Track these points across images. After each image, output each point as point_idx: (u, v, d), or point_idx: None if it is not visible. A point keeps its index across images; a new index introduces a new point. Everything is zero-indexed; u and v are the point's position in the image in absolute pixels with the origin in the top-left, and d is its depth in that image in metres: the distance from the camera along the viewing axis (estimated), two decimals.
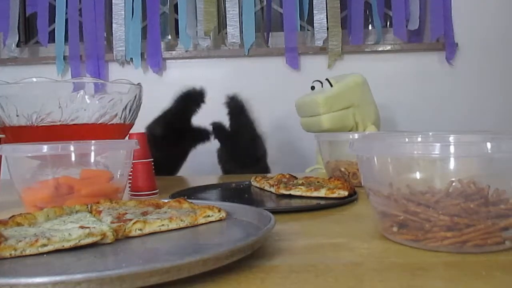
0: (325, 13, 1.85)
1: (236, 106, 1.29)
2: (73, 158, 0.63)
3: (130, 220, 0.47)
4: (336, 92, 1.32)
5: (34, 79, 0.76)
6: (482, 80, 1.87)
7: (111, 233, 0.44)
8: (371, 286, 0.35)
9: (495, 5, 1.86)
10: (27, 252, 0.40)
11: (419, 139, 0.60)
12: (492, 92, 1.87)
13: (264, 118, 1.85)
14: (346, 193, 0.70)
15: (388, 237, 0.47)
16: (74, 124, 0.74)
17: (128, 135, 0.83)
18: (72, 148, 0.62)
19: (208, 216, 0.52)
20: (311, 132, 1.36)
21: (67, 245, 0.41)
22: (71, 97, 0.74)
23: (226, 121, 1.29)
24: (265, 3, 1.97)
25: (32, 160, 0.65)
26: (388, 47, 1.88)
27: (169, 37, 2.02)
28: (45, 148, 0.60)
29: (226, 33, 1.89)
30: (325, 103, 1.30)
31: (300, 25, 1.93)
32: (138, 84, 0.83)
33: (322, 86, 1.38)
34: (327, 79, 1.36)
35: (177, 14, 1.89)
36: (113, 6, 1.86)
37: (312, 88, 1.41)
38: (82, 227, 0.44)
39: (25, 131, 0.74)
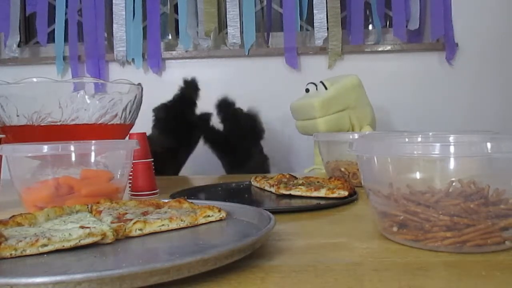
0: (325, 13, 1.85)
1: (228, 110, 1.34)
2: (73, 158, 0.63)
3: (130, 220, 0.47)
4: (332, 95, 1.32)
5: (35, 79, 0.76)
6: (482, 80, 1.87)
7: (111, 233, 0.44)
8: (371, 286, 0.35)
9: (495, 5, 1.86)
10: (28, 252, 0.40)
11: (419, 139, 0.60)
12: (492, 92, 1.87)
13: (264, 117, 1.86)
14: (346, 193, 0.70)
15: (388, 237, 0.47)
16: (74, 124, 0.74)
17: (128, 135, 0.83)
18: (72, 148, 0.62)
19: (208, 216, 0.52)
20: (307, 135, 1.36)
21: (67, 245, 0.41)
22: (71, 97, 0.74)
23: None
24: (265, 3, 1.97)
25: (32, 160, 0.65)
26: (388, 47, 1.88)
27: (169, 37, 2.02)
28: (45, 148, 0.60)
29: (227, 33, 1.89)
30: (321, 106, 1.30)
31: (300, 25, 1.93)
32: (138, 84, 0.83)
33: (316, 88, 1.37)
34: (321, 82, 1.36)
35: (177, 14, 1.89)
36: (113, 7, 1.86)
37: (307, 90, 1.41)
38: (82, 227, 0.44)
39: (26, 131, 0.74)
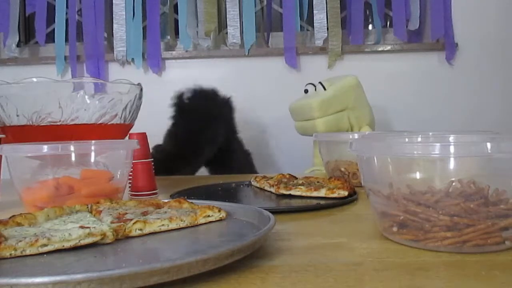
0: (325, 13, 1.85)
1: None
2: (73, 158, 0.63)
3: (130, 220, 0.47)
4: (330, 96, 1.32)
5: (34, 79, 0.76)
6: (482, 80, 1.87)
7: (111, 233, 0.44)
8: (371, 286, 0.35)
9: (495, 5, 1.86)
10: (27, 252, 0.40)
11: (419, 139, 0.60)
12: (492, 92, 1.87)
13: (264, 117, 1.86)
14: (346, 193, 0.70)
15: (388, 237, 0.47)
16: (74, 124, 0.74)
17: (128, 135, 0.83)
18: (72, 148, 0.62)
19: (208, 216, 0.52)
20: (306, 136, 1.36)
21: (67, 245, 0.41)
22: (71, 97, 0.74)
23: None
24: (265, 3, 1.97)
25: (32, 160, 0.65)
26: (388, 47, 1.88)
27: (169, 37, 2.02)
28: (45, 148, 0.60)
29: (227, 33, 1.89)
30: (320, 107, 1.30)
31: (300, 25, 1.93)
32: (138, 84, 0.83)
33: (315, 89, 1.37)
34: (320, 83, 1.36)
35: (177, 14, 1.89)
36: (113, 7, 1.86)
37: (306, 91, 1.41)
38: (82, 227, 0.44)
39: (26, 131, 0.74)
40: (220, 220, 0.52)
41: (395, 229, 0.45)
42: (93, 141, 0.65)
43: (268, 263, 0.40)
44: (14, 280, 0.30)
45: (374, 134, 1.15)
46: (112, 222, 0.48)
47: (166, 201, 0.58)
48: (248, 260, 0.40)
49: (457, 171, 0.44)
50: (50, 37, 1.94)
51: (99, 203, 0.56)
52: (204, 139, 1.27)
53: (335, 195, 0.70)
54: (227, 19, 1.87)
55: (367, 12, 1.98)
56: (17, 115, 0.74)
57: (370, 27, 2.04)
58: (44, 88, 0.76)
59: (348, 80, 1.37)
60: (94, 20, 1.87)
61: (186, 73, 1.92)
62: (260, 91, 1.88)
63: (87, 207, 0.55)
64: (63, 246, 0.41)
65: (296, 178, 0.87)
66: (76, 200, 0.60)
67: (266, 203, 0.71)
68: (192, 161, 1.30)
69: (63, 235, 0.41)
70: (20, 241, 0.40)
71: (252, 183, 0.88)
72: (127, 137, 0.83)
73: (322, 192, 0.71)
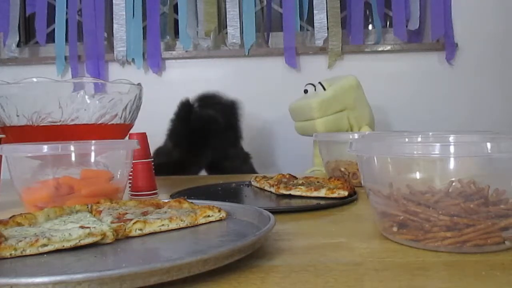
0: (325, 13, 1.85)
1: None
2: (73, 158, 0.63)
3: (130, 220, 0.47)
4: (330, 96, 1.32)
5: (35, 79, 0.76)
6: (482, 80, 1.87)
7: (111, 233, 0.44)
8: (371, 286, 0.35)
9: (495, 5, 1.86)
10: (27, 252, 0.40)
11: (419, 139, 0.60)
12: (492, 92, 1.87)
13: (264, 118, 1.86)
14: (346, 193, 0.70)
15: (388, 237, 0.47)
16: (74, 124, 0.74)
17: (128, 135, 0.83)
18: (72, 148, 0.62)
19: (208, 216, 0.52)
20: (306, 136, 1.36)
21: (67, 245, 0.41)
22: (71, 97, 0.74)
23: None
24: (265, 3, 1.97)
25: (32, 160, 0.65)
26: (388, 47, 1.88)
27: (169, 37, 2.02)
28: (45, 148, 0.60)
29: (227, 33, 1.89)
30: (320, 107, 1.30)
31: (300, 25, 1.93)
32: (138, 84, 0.83)
33: (315, 89, 1.37)
34: (319, 83, 1.36)
35: (177, 14, 1.89)
36: (113, 7, 1.86)
37: (305, 91, 1.41)
38: (82, 227, 0.44)
39: (26, 131, 0.74)
40: (220, 220, 0.52)
41: (395, 229, 0.45)
42: (93, 141, 0.65)
43: (268, 263, 0.40)
44: (14, 280, 0.30)
45: (374, 134, 1.15)
46: (112, 222, 0.48)
47: (166, 201, 0.58)
48: (248, 260, 0.40)
49: (457, 171, 0.44)
50: (50, 37, 1.94)
51: (99, 203, 0.56)
52: (209, 149, 1.28)
53: (335, 195, 0.70)
54: (227, 19, 1.86)
55: (367, 12, 1.98)
56: (17, 115, 0.74)
57: (370, 27, 2.04)
58: (44, 88, 0.76)
59: (348, 80, 1.37)
60: (94, 20, 1.87)
61: (186, 73, 1.92)
62: (260, 91, 1.88)
63: (87, 207, 0.55)
64: (63, 246, 0.41)
65: (296, 178, 0.87)
66: (76, 200, 0.60)
67: (266, 203, 0.71)
68: (191, 166, 1.31)
69: (63, 235, 0.41)
70: (20, 241, 0.40)
71: (252, 183, 0.88)
72: (127, 137, 0.83)
73: (322, 192, 0.71)
